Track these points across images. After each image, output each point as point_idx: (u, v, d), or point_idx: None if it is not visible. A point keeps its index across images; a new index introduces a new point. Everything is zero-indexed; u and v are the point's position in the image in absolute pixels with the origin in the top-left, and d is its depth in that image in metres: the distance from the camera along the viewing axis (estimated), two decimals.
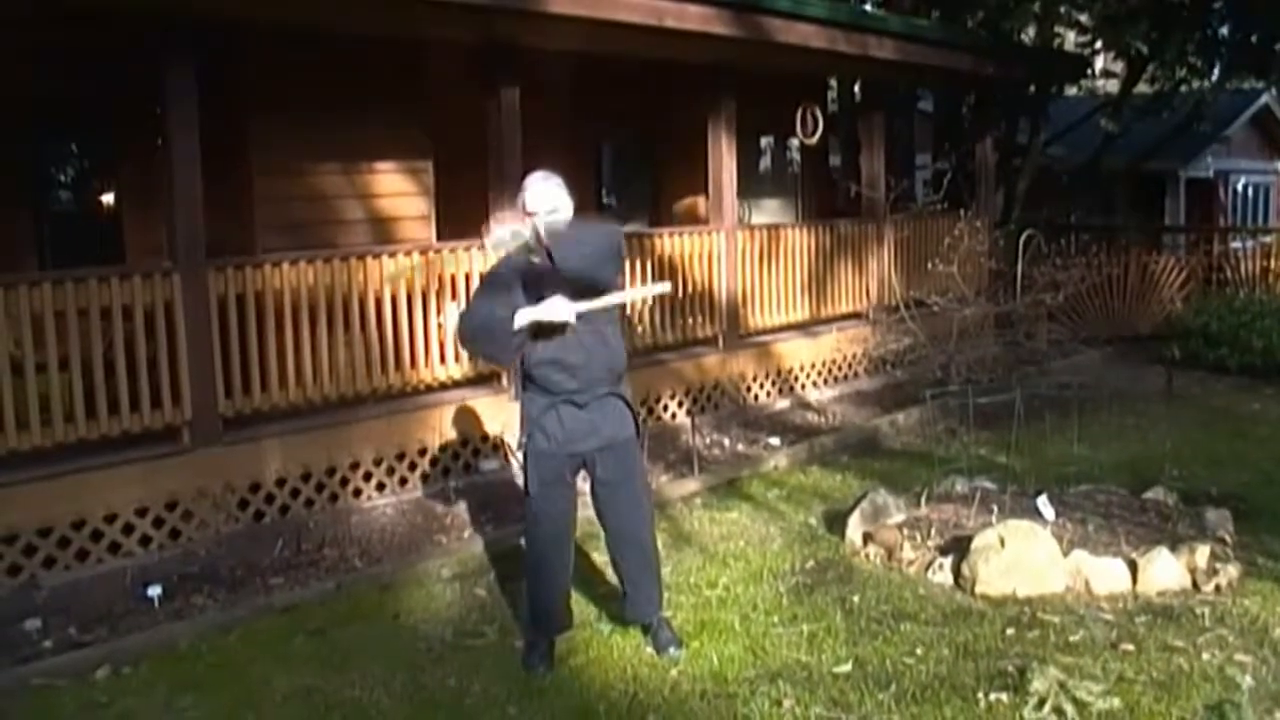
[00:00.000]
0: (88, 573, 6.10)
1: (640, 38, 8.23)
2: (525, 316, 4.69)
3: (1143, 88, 16.76)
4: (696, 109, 9.90)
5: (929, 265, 9.33)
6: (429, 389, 7.81)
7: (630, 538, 5.02)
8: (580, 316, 4.71)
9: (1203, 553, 5.75)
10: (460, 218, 8.70)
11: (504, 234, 4.70)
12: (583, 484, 5.08)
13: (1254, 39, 15.60)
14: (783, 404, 10.23)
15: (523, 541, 5.17)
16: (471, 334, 4.92)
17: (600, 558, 5.92)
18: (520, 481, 4.98)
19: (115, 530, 6.25)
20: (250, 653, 5.23)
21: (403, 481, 7.51)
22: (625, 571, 5.08)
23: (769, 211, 13.46)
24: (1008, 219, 14.20)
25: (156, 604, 5.80)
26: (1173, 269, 14.19)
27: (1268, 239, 15.27)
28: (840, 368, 11.08)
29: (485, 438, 7.96)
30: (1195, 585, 5.65)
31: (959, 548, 5.90)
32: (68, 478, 6.10)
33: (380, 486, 7.40)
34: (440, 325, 7.71)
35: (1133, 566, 5.70)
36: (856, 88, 15.78)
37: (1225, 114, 19.27)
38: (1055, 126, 16.36)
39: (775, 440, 9.05)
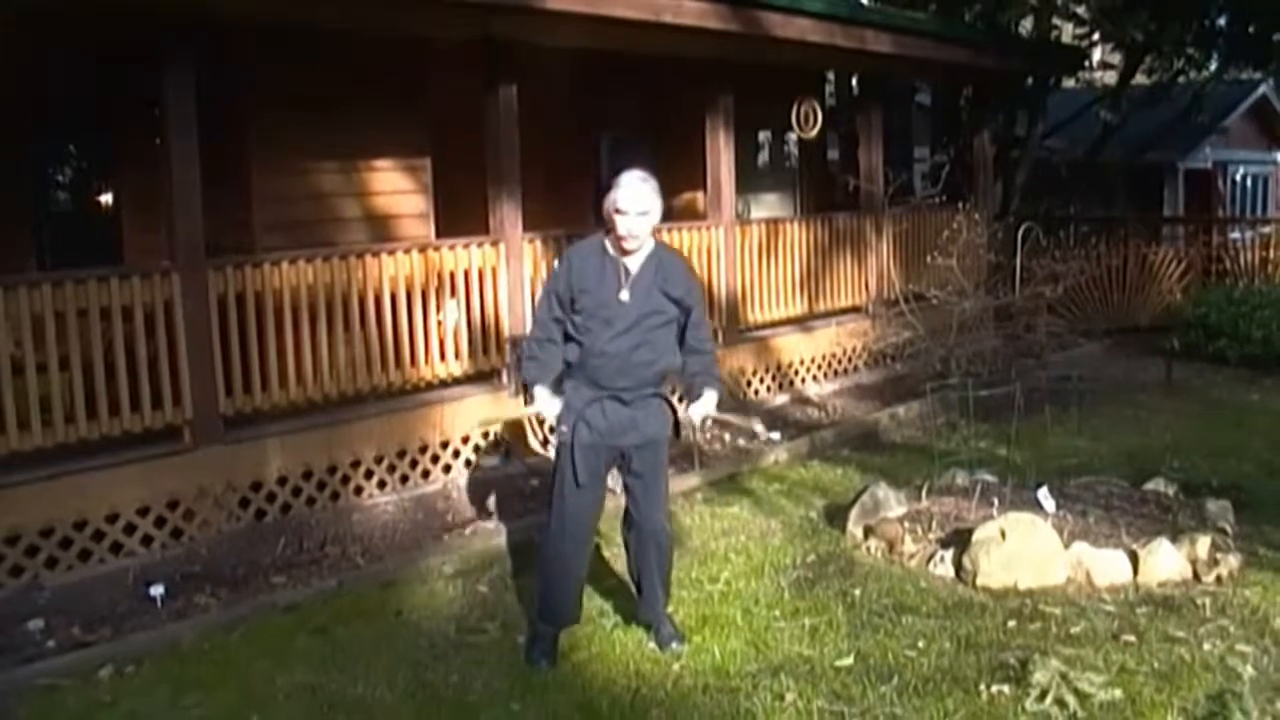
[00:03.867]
0: (90, 573, 6.08)
1: (637, 33, 8.21)
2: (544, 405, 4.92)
3: (1141, 79, 16.76)
4: (694, 104, 9.88)
5: (928, 258, 9.31)
6: (429, 386, 7.78)
7: (653, 534, 5.01)
8: (638, 323, 4.80)
9: (1203, 543, 5.75)
10: (459, 215, 8.71)
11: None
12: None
13: (1252, 29, 15.60)
14: (782, 398, 10.22)
15: (547, 532, 5.05)
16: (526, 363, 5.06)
17: (606, 552, 5.93)
18: (554, 471, 4.95)
19: (117, 530, 6.24)
20: (253, 651, 5.22)
21: (404, 479, 7.49)
22: (642, 569, 5.07)
23: (767, 206, 13.44)
24: (1006, 211, 14.18)
25: (159, 603, 5.79)
26: (1172, 260, 14.16)
27: (1266, 229, 15.23)
28: (840, 362, 11.06)
29: (486, 434, 7.94)
30: (1196, 576, 5.65)
31: (960, 540, 5.90)
32: (69, 478, 6.08)
33: (381, 484, 7.39)
34: (440, 322, 7.72)
35: (1134, 558, 5.70)
36: (854, 81, 15.76)
37: (1223, 105, 19.23)
38: (1053, 118, 16.35)
39: (775, 435, 9.04)
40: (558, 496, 4.92)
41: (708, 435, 4.78)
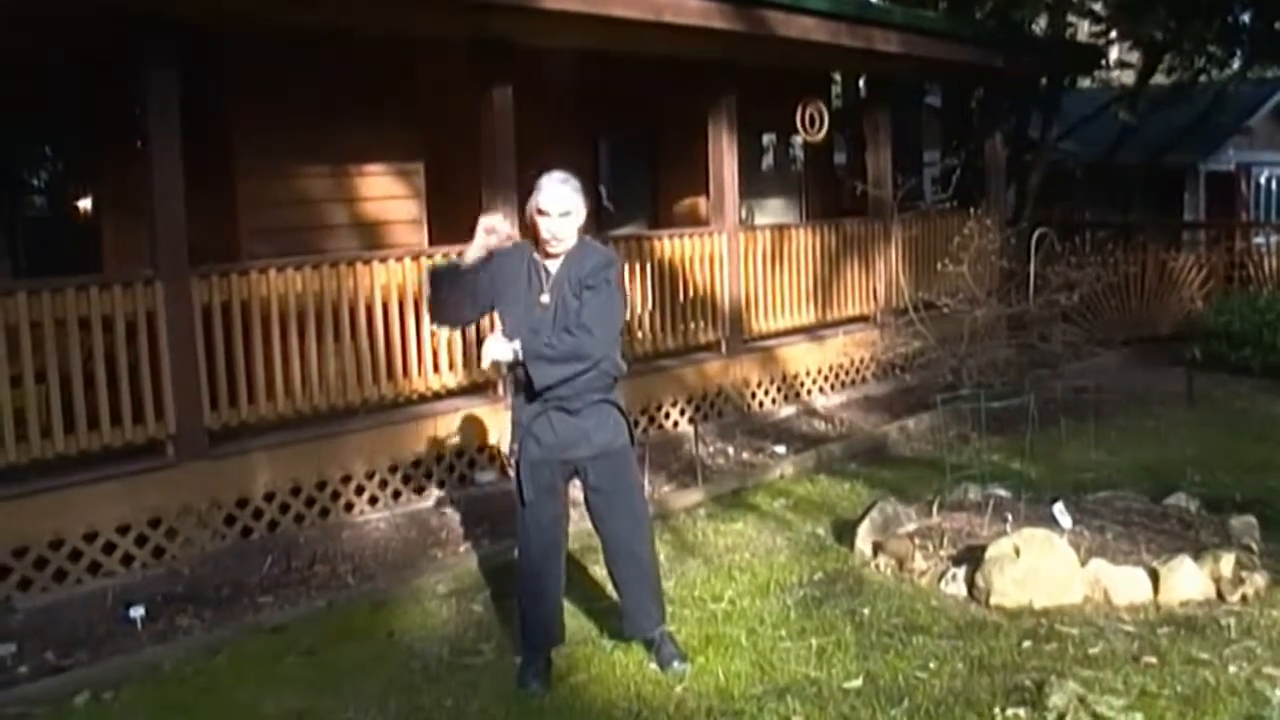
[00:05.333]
0: (66, 594, 5.97)
1: (638, 33, 8.12)
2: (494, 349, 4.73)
3: (1160, 79, 16.63)
4: (696, 106, 9.80)
5: (938, 266, 9.24)
6: (422, 398, 7.70)
7: (625, 549, 4.93)
8: (562, 323, 4.69)
9: (1228, 561, 5.62)
10: (453, 221, 8.58)
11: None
12: (578, 494, 4.98)
13: (1277, 26, 15.39)
14: (788, 410, 10.10)
15: (516, 554, 5.08)
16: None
17: (599, 571, 5.81)
18: (514, 492, 4.93)
19: (95, 549, 6.12)
20: (238, 675, 5.12)
21: (396, 495, 7.39)
22: (623, 585, 5.01)
23: (772, 211, 13.36)
24: (1019, 217, 14.08)
25: (139, 625, 5.68)
26: (1192, 267, 14.01)
27: None
28: (847, 373, 10.94)
29: (481, 448, 7.85)
30: (1220, 595, 5.52)
31: (972, 558, 5.79)
32: (45, 495, 5.97)
33: (373, 500, 7.29)
34: (433, 333, 7.62)
35: (1154, 576, 5.57)
36: (861, 82, 15.67)
37: (1247, 105, 19.16)
38: (1068, 120, 16.25)
39: (781, 448, 8.91)
40: (518, 517, 4.91)
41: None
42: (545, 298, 4.70)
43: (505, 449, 7.71)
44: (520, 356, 4.60)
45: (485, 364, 4.85)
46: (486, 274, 4.76)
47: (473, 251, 4.74)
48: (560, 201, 4.64)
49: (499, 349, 4.64)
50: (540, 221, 4.66)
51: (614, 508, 4.87)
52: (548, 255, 4.73)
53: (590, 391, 4.72)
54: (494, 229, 4.73)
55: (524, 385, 4.73)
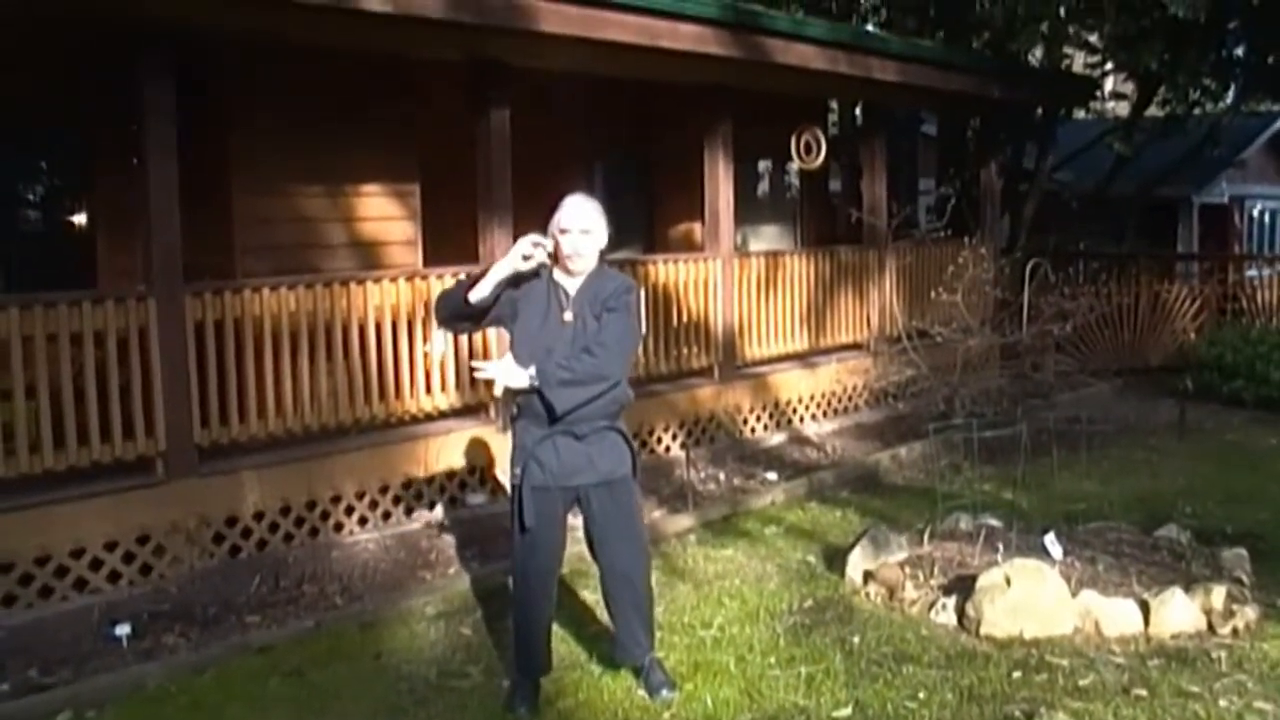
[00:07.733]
0: (51, 611, 5.89)
1: (634, 58, 8.11)
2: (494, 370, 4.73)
3: (1154, 110, 16.59)
4: (692, 131, 9.79)
5: (932, 294, 9.18)
6: (414, 419, 7.65)
7: (623, 578, 4.88)
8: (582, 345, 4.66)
9: (1218, 594, 5.58)
10: (448, 243, 8.59)
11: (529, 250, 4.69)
12: (573, 519, 4.94)
13: (1271, 60, 15.42)
14: (780, 437, 10.06)
15: (510, 580, 5.06)
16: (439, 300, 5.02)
17: (590, 596, 5.80)
18: (510, 516, 4.87)
19: (82, 566, 6.05)
20: (224, 694, 5.07)
21: (386, 515, 7.34)
22: (616, 612, 4.96)
23: (767, 238, 13.36)
24: (1014, 246, 14.04)
25: (125, 643, 5.62)
26: (1185, 298, 14.00)
27: None
28: (840, 400, 10.90)
29: (472, 470, 7.79)
30: (1211, 628, 5.49)
31: (963, 587, 5.76)
32: (32, 511, 5.90)
33: (362, 521, 7.23)
34: (426, 354, 7.59)
35: (1145, 608, 5.54)
36: (857, 110, 15.67)
37: (1241, 137, 19.07)
38: (1063, 151, 16.21)
39: (772, 475, 8.87)
40: (515, 543, 4.84)
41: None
42: (568, 315, 4.68)
43: (498, 471, 7.69)
44: (536, 384, 4.56)
45: (498, 391, 4.77)
46: (508, 300, 4.71)
47: (502, 268, 4.67)
48: (581, 219, 4.67)
49: (514, 376, 4.60)
50: (561, 239, 4.68)
51: (614, 536, 4.82)
52: (568, 274, 4.73)
53: (598, 417, 4.68)
54: (531, 255, 4.65)
55: (534, 411, 4.65)
